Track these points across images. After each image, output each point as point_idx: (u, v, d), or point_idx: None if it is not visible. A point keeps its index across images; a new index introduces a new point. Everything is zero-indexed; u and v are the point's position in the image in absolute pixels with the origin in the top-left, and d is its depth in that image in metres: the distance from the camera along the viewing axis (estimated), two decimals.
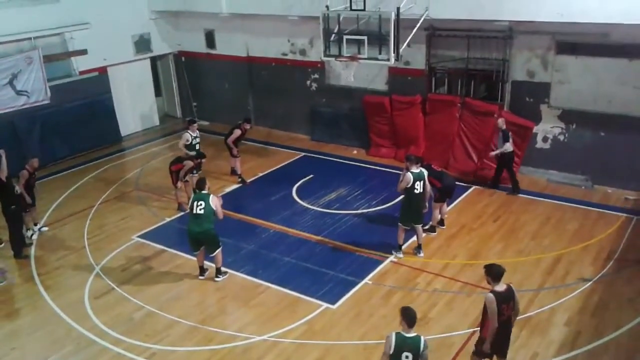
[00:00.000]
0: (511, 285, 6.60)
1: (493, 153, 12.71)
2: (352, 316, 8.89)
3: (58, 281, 10.24)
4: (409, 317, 5.92)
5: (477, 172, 13.72)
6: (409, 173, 9.84)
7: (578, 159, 13.05)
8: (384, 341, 6.06)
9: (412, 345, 5.87)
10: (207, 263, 10.14)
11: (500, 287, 6.49)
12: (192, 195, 9.78)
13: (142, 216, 12.56)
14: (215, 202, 9.43)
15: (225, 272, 10.11)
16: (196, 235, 9.59)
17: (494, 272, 6.52)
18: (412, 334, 5.91)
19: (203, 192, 9.52)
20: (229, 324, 8.89)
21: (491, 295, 6.42)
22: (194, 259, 10.32)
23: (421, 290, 9.46)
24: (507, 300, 6.47)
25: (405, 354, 5.85)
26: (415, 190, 9.86)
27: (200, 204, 9.39)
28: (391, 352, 5.89)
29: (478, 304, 8.90)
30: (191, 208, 9.53)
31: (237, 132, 13.86)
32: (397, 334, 5.94)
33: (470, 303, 9.04)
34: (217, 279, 10.00)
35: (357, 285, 9.66)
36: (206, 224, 9.46)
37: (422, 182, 9.89)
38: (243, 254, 10.77)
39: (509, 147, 12.35)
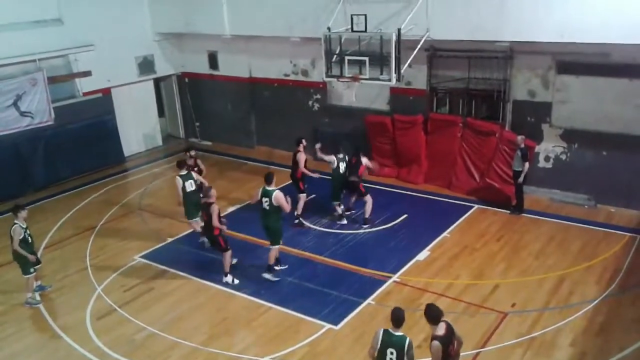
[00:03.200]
0: (447, 321, 6.35)
1: (521, 179, 12.44)
2: (355, 337, 8.82)
3: (59, 302, 10.22)
4: (395, 318, 6.28)
5: (478, 191, 13.71)
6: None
7: (581, 178, 13.04)
8: None
9: (397, 343, 6.18)
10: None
11: (440, 329, 6.23)
12: (260, 190, 10.27)
13: (144, 237, 12.55)
14: (278, 197, 10.07)
15: (278, 270, 10.63)
16: (263, 226, 10.45)
17: (430, 315, 6.30)
18: (399, 333, 6.23)
19: (267, 187, 10.15)
20: (231, 345, 8.82)
21: (437, 343, 6.11)
22: (196, 279, 10.40)
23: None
24: (450, 340, 6.27)
25: (390, 350, 6.20)
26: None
27: (266, 200, 10.14)
28: (378, 346, 6.25)
29: (482, 324, 8.90)
30: (260, 202, 10.25)
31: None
32: (385, 330, 6.29)
33: (474, 324, 8.96)
34: (265, 275, 10.47)
35: (360, 305, 9.61)
36: (268, 218, 10.26)
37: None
38: (246, 274, 10.72)
39: (527, 166, 12.36)
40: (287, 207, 10.18)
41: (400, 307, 6.42)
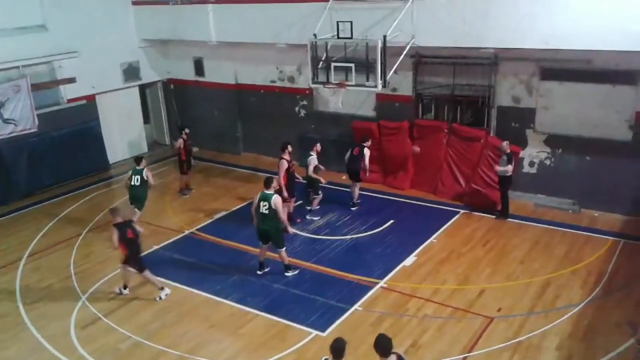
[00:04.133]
0: (398, 353, 6.01)
1: (497, 168, 12.48)
2: None
3: (43, 311, 10.07)
4: (335, 349, 6.02)
5: (464, 196, 13.79)
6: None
7: (565, 183, 13.16)
8: None
9: None
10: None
11: None
12: (259, 194, 10.40)
13: None
14: (277, 202, 10.25)
15: (296, 269, 10.87)
16: (261, 231, 10.47)
17: (380, 347, 5.86)
18: None
19: (266, 191, 10.28)
20: (217, 353, 8.75)
21: None
22: (182, 286, 10.37)
23: (411, 316, 9.40)
24: None
25: None
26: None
27: (264, 204, 10.20)
28: None
29: (469, 329, 8.93)
30: (258, 207, 10.29)
31: (180, 142, 14.73)
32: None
33: (461, 328, 8.99)
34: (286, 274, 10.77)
35: (347, 311, 9.59)
36: (268, 222, 10.30)
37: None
38: (232, 281, 10.68)
39: (510, 169, 12.41)
40: (282, 211, 10.43)
41: (343, 337, 6.24)
